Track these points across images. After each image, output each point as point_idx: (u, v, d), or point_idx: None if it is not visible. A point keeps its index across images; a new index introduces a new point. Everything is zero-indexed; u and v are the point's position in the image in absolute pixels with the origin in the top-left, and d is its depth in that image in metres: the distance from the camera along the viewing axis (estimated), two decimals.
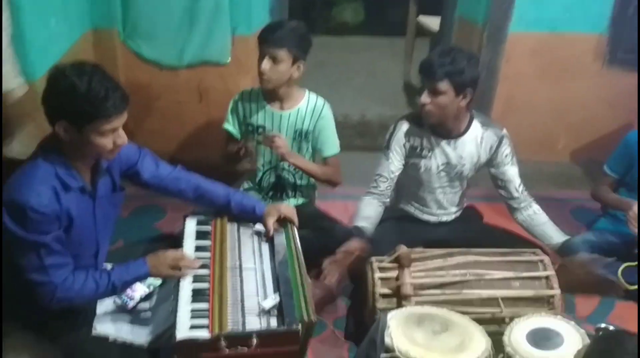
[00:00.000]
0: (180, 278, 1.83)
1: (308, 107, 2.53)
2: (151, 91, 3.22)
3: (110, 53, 3.05)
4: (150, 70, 3.16)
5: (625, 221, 2.40)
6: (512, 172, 2.39)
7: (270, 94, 2.48)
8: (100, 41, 3.02)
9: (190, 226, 2.11)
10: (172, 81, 3.20)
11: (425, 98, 2.19)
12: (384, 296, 2.08)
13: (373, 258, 2.19)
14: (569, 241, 2.33)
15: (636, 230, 2.33)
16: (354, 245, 2.27)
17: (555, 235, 2.36)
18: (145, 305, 2.02)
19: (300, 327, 1.69)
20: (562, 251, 2.34)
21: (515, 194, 2.39)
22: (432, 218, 2.53)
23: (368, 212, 2.39)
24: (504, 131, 2.39)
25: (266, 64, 2.32)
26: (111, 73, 1.68)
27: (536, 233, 2.38)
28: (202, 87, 3.23)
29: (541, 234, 2.37)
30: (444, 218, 2.53)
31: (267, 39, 2.31)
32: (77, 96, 1.57)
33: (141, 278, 1.85)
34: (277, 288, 1.84)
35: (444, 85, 2.16)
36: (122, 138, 1.70)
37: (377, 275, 2.11)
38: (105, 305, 1.93)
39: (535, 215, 2.38)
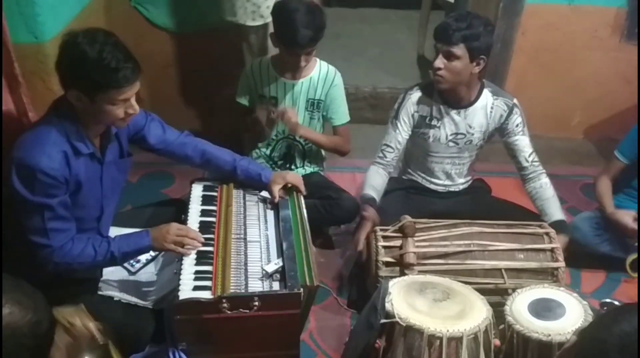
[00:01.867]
0: (182, 255, 1.80)
1: (320, 76, 2.52)
2: (162, 57, 3.21)
3: (120, 18, 3.04)
4: (161, 36, 3.15)
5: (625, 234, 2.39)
6: (522, 142, 2.36)
7: (282, 64, 2.48)
8: (111, 6, 3.00)
9: (197, 191, 2.12)
10: (184, 48, 3.19)
11: (439, 62, 2.16)
12: (386, 264, 2.09)
13: (377, 228, 2.19)
14: (561, 222, 2.29)
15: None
16: (369, 212, 2.26)
17: (551, 212, 2.32)
18: (151, 268, 2.05)
19: (302, 290, 1.71)
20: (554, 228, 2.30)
21: (525, 164, 2.37)
22: (440, 188, 2.51)
23: (376, 181, 2.38)
24: (515, 100, 2.35)
25: (303, 61, 2.37)
26: (122, 39, 1.68)
27: (537, 207, 2.37)
28: (212, 55, 3.22)
29: (540, 209, 2.36)
30: (452, 189, 2.52)
31: (302, 44, 2.30)
32: (88, 65, 1.57)
33: (143, 250, 1.84)
34: (280, 253, 1.86)
35: (459, 49, 2.13)
36: (134, 107, 1.70)
37: (381, 243, 2.11)
38: (111, 268, 1.95)
39: (540, 189, 2.36)
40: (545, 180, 2.37)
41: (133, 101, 1.69)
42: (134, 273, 2.01)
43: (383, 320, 1.76)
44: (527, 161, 2.37)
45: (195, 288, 1.69)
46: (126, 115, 1.70)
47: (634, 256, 2.43)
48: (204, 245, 1.85)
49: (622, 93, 3.49)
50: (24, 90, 2.05)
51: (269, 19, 2.65)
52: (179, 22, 3.12)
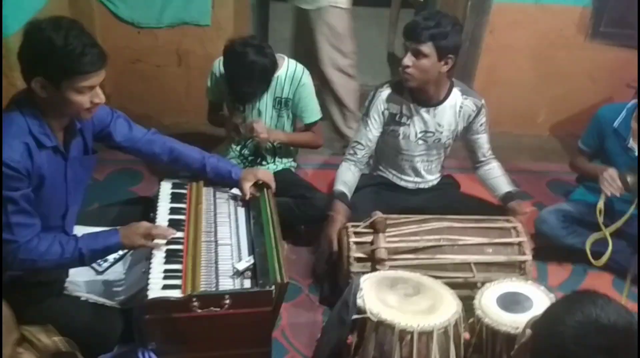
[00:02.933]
0: (153, 248, 1.78)
1: (287, 74, 2.51)
2: (129, 52, 3.16)
3: (86, 13, 2.98)
4: (128, 31, 3.10)
5: (599, 185, 2.43)
6: (483, 139, 2.45)
7: None
8: (76, 0, 2.94)
9: (166, 188, 2.09)
10: (151, 43, 3.15)
11: (407, 60, 2.17)
12: (358, 260, 2.10)
13: (348, 224, 2.20)
14: (515, 191, 2.39)
15: (609, 192, 2.36)
16: (339, 208, 2.27)
17: (502, 186, 2.41)
18: (119, 267, 2.01)
19: (273, 288, 1.70)
20: (505, 200, 2.38)
21: (482, 159, 2.48)
22: (410, 185, 2.53)
23: (347, 177, 2.39)
24: (483, 100, 2.39)
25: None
26: None
27: (488, 186, 2.46)
28: (181, 51, 3.18)
29: (491, 187, 2.45)
30: (422, 186, 2.54)
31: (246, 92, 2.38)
32: (53, 51, 1.54)
33: (112, 248, 1.78)
34: (252, 251, 1.85)
35: (427, 48, 2.14)
36: (100, 96, 1.67)
37: (352, 239, 2.12)
38: (78, 268, 1.90)
39: (489, 170, 2.46)
40: (494, 163, 2.48)
41: (99, 90, 1.66)
42: (101, 273, 1.96)
43: (355, 316, 1.76)
44: (485, 156, 2.47)
45: (165, 286, 1.67)
46: (92, 105, 1.66)
47: (594, 236, 2.47)
48: (174, 243, 1.82)
49: (586, 91, 3.58)
50: None
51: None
52: (146, 16, 3.07)
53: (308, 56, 2.96)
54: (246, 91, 2.35)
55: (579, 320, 1.07)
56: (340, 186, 2.36)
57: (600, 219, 2.40)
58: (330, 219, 2.27)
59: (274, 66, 2.39)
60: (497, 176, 2.44)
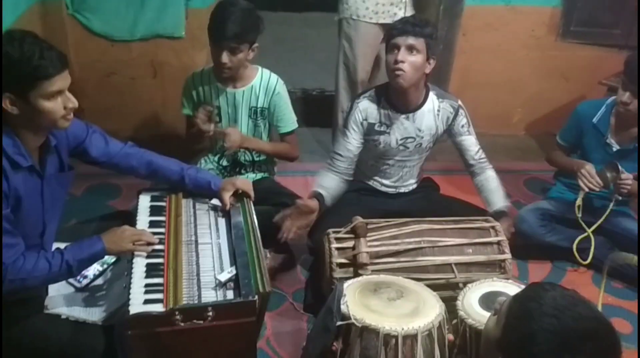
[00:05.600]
0: (137, 251, 1.78)
1: (262, 84, 2.51)
2: (103, 66, 3.13)
3: (58, 27, 2.96)
4: (101, 44, 3.07)
5: (575, 180, 2.47)
6: (469, 141, 2.43)
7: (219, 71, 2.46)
8: (47, 14, 2.92)
9: (144, 201, 2.07)
10: (125, 55, 3.13)
11: (402, 55, 2.18)
12: (340, 266, 2.10)
13: (330, 230, 2.20)
14: (502, 210, 2.36)
15: (586, 187, 2.40)
16: (307, 202, 2.25)
17: (493, 202, 2.39)
18: (99, 282, 1.98)
19: (257, 298, 1.69)
20: (495, 217, 2.37)
21: (471, 162, 2.45)
22: (391, 190, 2.55)
23: (327, 183, 2.39)
24: (459, 101, 2.41)
25: (225, 57, 2.32)
26: (60, 48, 1.63)
27: (482, 199, 2.45)
28: (156, 63, 3.17)
29: (485, 201, 2.43)
30: (402, 190, 2.56)
31: (226, 36, 2.28)
32: (12, 62, 1.52)
33: (98, 256, 1.77)
34: (234, 261, 1.83)
35: (420, 43, 2.18)
36: (72, 100, 1.64)
37: (334, 245, 2.12)
38: (57, 285, 1.87)
39: (485, 181, 2.43)
40: (490, 173, 2.45)
41: (69, 94, 1.64)
42: (81, 289, 1.93)
43: (339, 323, 1.76)
44: (474, 158, 2.44)
45: (146, 301, 1.65)
46: (66, 111, 1.64)
47: (580, 237, 2.51)
48: (154, 256, 1.80)
49: (559, 90, 3.65)
50: None
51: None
52: (119, 29, 3.05)
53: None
54: (229, 28, 2.27)
55: (546, 310, 1.13)
56: (317, 188, 2.35)
57: (579, 215, 2.44)
58: (291, 211, 2.23)
59: (258, 18, 2.37)
60: (491, 189, 2.41)
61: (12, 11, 2.58)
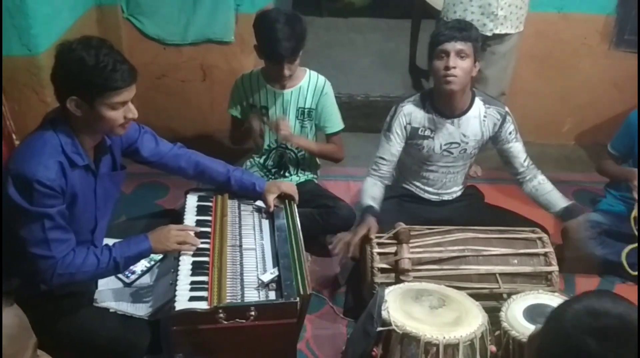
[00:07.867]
0: (183, 251, 1.84)
1: (310, 85, 2.54)
2: (155, 68, 3.22)
3: (113, 30, 3.05)
4: (154, 47, 3.16)
5: (629, 190, 2.40)
6: (517, 148, 2.38)
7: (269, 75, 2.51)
8: (103, 18, 3.02)
9: (192, 201, 2.12)
10: (176, 58, 3.20)
11: (453, 61, 2.17)
12: (382, 271, 2.10)
13: (372, 235, 2.19)
14: (573, 205, 2.31)
15: None
16: (369, 221, 2.23)
17: (558, 201, 2.33)
18: (146, 279, 2.04)
19: (298, 299, 1.71)
20: (565, 216, 2.32)
21: (521, 169, 2.39)
22: (434, 197, 2.53)
23: (374, 192, 2.37)
24: (506, 108, 2.38)
25: (287, 71, 2.37)
26: None
27: (542, 203, 2.37)
28: (205, 66, 3.23)
29: (546, 203, 2.36)
30: (445, 197, 2.53)
31: (285, 54, 2.32)
32: (85, 69, 1.59)
33: (144, 254, 1.84)
34: (276, 262, 1.86)
35: (468, 47, 2.18)
36: (133, 111, 1.71)
37: (376, 250, 2.12)
38: (106, 279, 1.94)
39: (540, 185, 2.37)
40: (541, 177, 2.40)
41: (131, 105, 1.71)
42: (129, 285, 2.00)
43: (380, 328, 1.76)
44: (523, 166, 2.39)
45: (192, 298, 1.69)
46: (125, 120, 1.70)
47: (630, 246, 2.44)
48: (200, 255, 1.85)
49: (611, 99, 3.54)
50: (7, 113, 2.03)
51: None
52: (171, 33, 3.13)
53: None
54: (285, 46, 2.29)
55: (578, 307, 1.11)
56: (368, 201, 2.33)
57: (636, 227, 2.37)
58: (358, 229, 2.24)
59: (304, 27, 2.38)
60: (549, 191, 2.36)
61: (70, 14, 2.69)
